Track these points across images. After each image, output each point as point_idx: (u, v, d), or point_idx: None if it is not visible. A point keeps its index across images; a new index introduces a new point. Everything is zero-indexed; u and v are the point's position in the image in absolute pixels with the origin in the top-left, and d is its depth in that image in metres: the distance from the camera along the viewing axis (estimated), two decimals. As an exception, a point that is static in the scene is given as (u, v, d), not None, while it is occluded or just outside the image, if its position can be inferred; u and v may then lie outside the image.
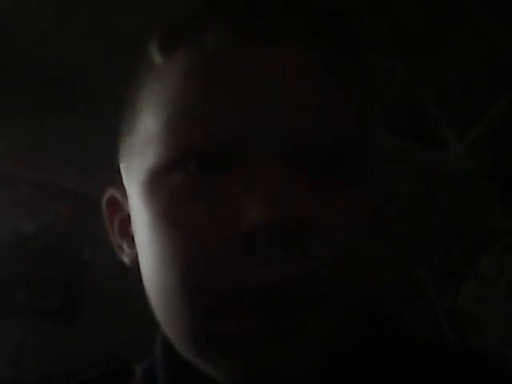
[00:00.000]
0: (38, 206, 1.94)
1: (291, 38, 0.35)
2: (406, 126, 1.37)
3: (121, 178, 0.41)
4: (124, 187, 0.41)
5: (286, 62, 0.35)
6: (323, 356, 0.33)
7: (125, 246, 0.42)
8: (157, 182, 0.35)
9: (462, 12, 1.31)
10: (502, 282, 1.26)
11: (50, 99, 1.96)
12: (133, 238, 0.39)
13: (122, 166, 0.41)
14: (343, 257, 0.33)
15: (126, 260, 0.42)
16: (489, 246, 1.28)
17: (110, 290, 1.75)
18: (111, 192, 0.44)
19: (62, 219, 1.96)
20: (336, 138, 0.34)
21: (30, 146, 1.92)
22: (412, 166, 1.13)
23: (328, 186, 0.34)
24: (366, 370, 0.37)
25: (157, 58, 0.38)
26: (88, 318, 1.79)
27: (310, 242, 0.32)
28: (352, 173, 0.35)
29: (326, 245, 0.32)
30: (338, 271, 0.32)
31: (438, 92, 1.39)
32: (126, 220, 0.41)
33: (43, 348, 1.41)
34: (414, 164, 1.14)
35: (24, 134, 1.93)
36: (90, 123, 1.93)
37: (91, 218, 1.95)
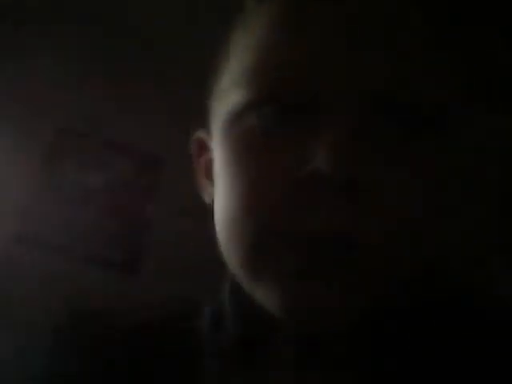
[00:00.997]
0: (104, 163, 2.00)
1: None
2: (495, 98, 1.31)
3: (208, 121, 0.43)
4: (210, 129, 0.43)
5: (377, 12, 0.34)
6: (363, 306, 0.34)
7: (208, 186, 0.44)
8: (234, 123, 0.36)
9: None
10: None
11: (118, 59, 2.00)
12: (214, 180, 0.41)
13: (210, 109, 0.43)
14: (402, 218, 0.33)
15: (207, 199, 0.44)
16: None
17: (170, 246, 1.80)
18: (200, 133, 0.46)
19: (127, 176, 2.01)
20: (414, 95, 0.34)
21: (96, 103, 1.97)
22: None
23: (401, 148, 0.33)
24: (406, 331, 0.38)
25: (251, 1, 0.39)
26: (150, 271, 1.85)
27: (371, 198, 0.32)
28: (429, 138, 0.34)
29: (386, 204, 0.33)
30: (393, 231, 0.33)
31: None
32: (211, 161, 0.42)
33: (107, 296, 1.48)
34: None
35: (90, 91, 1.98)
36: (155, 84, 1.96)
37: (155, 175, 2.00)
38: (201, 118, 0.44)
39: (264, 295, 0.35)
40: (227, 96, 0.37)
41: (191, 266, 1.64)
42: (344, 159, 0.31)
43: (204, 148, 0.45)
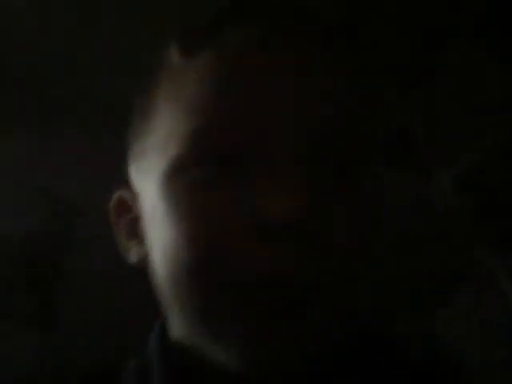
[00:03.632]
0: (14, 209, 1.92)
1: (311, 45, 0.38)
2: (392, 154, 1.39)
3: (129, 180, 0.43)
4: (133, 189, 0.43)
5: (304, 65, 0.37)
6: (320, 349, 0.35)
7: (132, 246, 0.43)
8: (176, 177, 0.37)
9: (450, 44, 1.34)
10: (477, 315, 1.27)
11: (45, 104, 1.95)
12: (141, 239, 0.41)
13: (134, 166, 0.43)
14: (350, 254, 0.35)
15: (132, 259, 0.43)
16: (467, 277, 1.29)
17: (85, 296, 1.73)
18: (120, 193, 0.45)
19: (38, 223, 1.93)
20: (348, 138, 0.36)
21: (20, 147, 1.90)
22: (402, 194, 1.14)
23: (339, 186, 0.36)
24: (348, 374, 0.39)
25: (178, 58, 0.40)
26: (63, 324, 1.76)
27: (319, 238, 0.34)
28: (362, 175, 0.37)
29: (333, 242, 0.34)
30: (343, 267, 0.35)
31: (425, 123, 1.41)
32: (135, 221, 0.42)
33: (18, 354, 1.39)
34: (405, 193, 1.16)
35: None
36: (69, 129, 1.92)
37: (67, 222, 1.93)
38: (121, 174, 0.44)
39: (221, 350, 0.35)
40: (162, 150, 0.38)
41: (112, 319, 1.58)
42: (293, 208, 0.32)
43: (125, 208, 0.44)
